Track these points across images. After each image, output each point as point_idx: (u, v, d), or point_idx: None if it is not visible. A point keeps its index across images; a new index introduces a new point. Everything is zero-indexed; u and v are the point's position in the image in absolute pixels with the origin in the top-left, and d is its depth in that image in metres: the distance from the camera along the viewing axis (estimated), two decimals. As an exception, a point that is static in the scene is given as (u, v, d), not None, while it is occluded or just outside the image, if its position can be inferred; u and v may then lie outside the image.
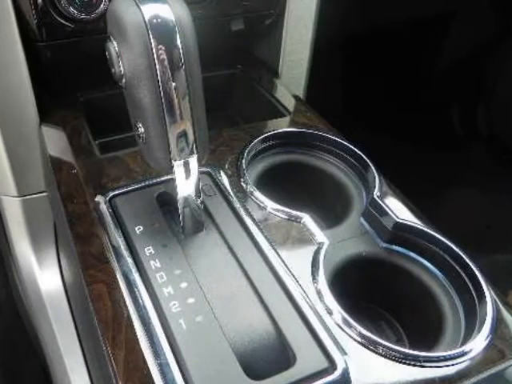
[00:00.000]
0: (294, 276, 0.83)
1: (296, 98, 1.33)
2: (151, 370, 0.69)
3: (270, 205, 0.95)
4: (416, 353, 0.74)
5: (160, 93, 0.71)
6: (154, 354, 0.71)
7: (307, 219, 0.93)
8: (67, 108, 1.22)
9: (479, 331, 0.78)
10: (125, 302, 0.78)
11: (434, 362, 0.74)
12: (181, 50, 0.69)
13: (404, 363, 0.73)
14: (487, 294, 0.82)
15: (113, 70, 0.76)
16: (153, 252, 0.84)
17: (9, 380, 1.64)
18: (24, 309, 1.51)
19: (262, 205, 0.96)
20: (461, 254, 0.87)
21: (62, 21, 1.09)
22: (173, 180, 0.81)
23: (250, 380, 0.68)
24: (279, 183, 1.07)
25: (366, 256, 0.92)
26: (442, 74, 2.60)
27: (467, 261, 0.86)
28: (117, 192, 0.95)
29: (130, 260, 0.83)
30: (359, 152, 1.08)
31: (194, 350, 0.71)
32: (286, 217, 0.94)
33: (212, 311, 0.76)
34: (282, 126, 1.19)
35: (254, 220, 0.91)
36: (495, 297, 0.83)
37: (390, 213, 0.92)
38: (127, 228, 0.88)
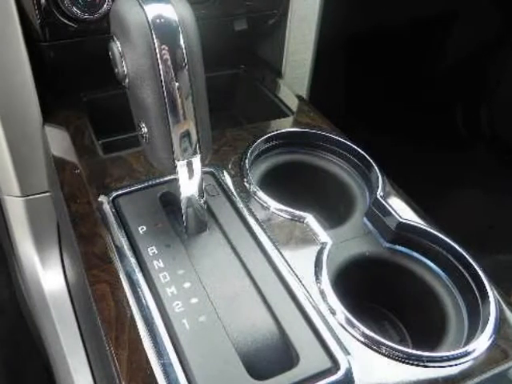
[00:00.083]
0: (297, 276, 0.83)
1: (299, 98, 1.33)
2: (154, 370, 0.69)
3: (273, 205, 0.95)
4: (419, 353, 0.74)
5: (163, 93, 0.71)
6: (157, 354, 0.71)
7: (310, 219, 0.93)
8: (70, 108, 1.22)
9: (482, 331, 0.78)
10: (128, 302, 0.78)
11: (437, 362, 0.74)
12: (184, 50, 0.69)
13: (407, 363, 0.73)
14: (490, 293, 0.82)
15: (116, 70, 0.76)
16: (156, 252, 0.84)
17: (12, 380, 1.65)
18: (27, 309, 1.51)
19: (265, 205, 0.96)
20: (464, 253, 0.87)
21: (66, 21, 1.09)
22: (176, 180, 0.81)
23: (253, 380, 0.68)
24: (282, 183, 1.06)
25: (369, 256, 0.92)
26: (444, 74, 2.60)
27: (470, 261, 0.86)
28: (120, 192, 0.95)
29: (133, 260, 0.83)
30: (362, 152, 1.08)
31: (198, 350, 0.71)
32: (289, 217, 0.94)
33: (215, 311, 0.76)
34: (285, 125, 1.19)
35: (257, 220, 0.91)
36: (498, 297, 0.83)
37: (393, 213, 0.92)
38: (130, 228, 0.88)
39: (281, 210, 0.95)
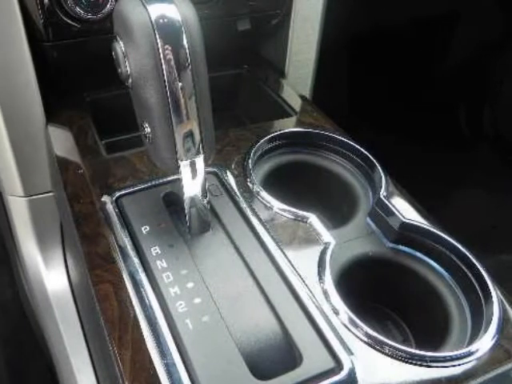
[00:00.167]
0: (300, 276, 0.83)
1: (302, 97, 1.33)
2: (157, 369, 0.69)
3: (277, 205, 0.95)
4: (422, 353, 0.74)
5: (166, 93, 0.71)
6: (160, 354, 0.71)
7: (313, 219, 0.93)
8: (73, 108, 1.22)
9: (485, 331, 0.77)
10: (131, 302, 0.78)
11: (440, 362, 0.74)
12: (187, 50, 0.70)
13: (410, 363, 0.73)
14: (493, 293, 0.82)
15: (119, 70, 0.76)
16: (159, 252, 0.84)
17: (15, 380, 1.65)
18: (30, 309, 1.52)
19: (268, 205, 0.96)
20: (467, 254, 0.87)
21: (69, 21, 1.09)
22: (179, 180, 0.81)
23: (256, 380, 0.68)
24: (285, 183, 1.06)
25: (373, 256, 0.92)
26: (448, 73, 2.60)
27: (473, 261, 0.86)
28: (123, 192, 0.95)
29: (136, 260, 0.83)
30: (365, 152, 1.07)
31: (201, 350, 0.71)
32: (292, 217, 0.94)
33: (218, 311, 0.76)
34: (288, 125, 1.18)
35: (260, 220, 0.91)
36: (501, 297, 0.83)
37: (396, 213, 0.92)
38: (133, 228, 0.88)
39: (284, 210, 0.95)
